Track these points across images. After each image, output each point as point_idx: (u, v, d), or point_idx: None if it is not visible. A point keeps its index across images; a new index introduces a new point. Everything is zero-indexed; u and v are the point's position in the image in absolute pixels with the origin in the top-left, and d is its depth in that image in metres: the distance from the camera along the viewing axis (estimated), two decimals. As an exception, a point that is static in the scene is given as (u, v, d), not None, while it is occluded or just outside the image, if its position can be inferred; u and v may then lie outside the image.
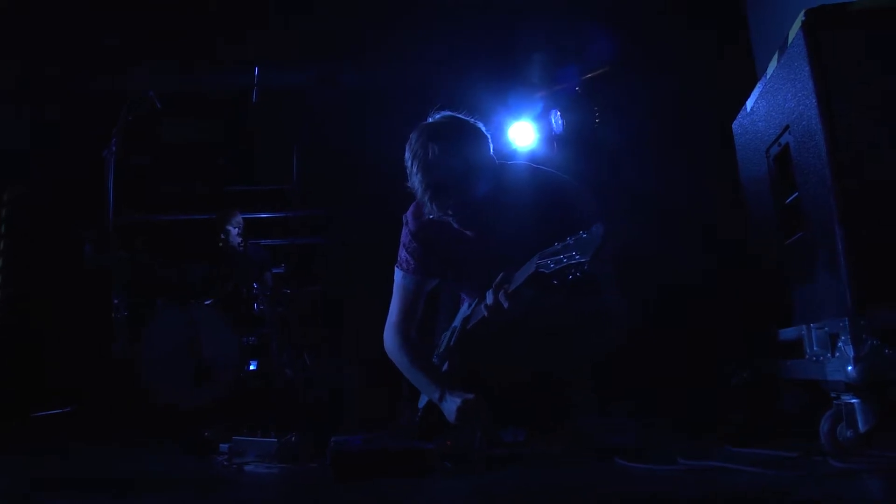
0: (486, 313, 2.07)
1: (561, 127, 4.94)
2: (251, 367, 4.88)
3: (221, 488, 1.95)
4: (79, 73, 4.67)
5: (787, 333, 1.90)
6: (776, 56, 1.90)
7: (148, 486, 2.03)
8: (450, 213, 2.15)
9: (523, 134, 5.08)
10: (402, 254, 2.53)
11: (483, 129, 2.23)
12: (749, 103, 2.16)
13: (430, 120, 2.22)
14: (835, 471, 1.52)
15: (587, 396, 2.37)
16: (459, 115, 2.23)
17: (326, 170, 5.44)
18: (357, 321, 4.86)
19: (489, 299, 2.03)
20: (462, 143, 2.13)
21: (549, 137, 5.01)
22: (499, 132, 5.06)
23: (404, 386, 2.70)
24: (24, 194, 4.94)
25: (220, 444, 2.44)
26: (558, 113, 4.94)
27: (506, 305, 1.98)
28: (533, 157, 4.99)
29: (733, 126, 2.35)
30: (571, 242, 1.74)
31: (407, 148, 2.18)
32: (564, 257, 1.74)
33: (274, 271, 5.34)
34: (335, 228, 5.56)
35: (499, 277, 2.04)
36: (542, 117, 5.03)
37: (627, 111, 4.44)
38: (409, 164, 2.16)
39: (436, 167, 2.07)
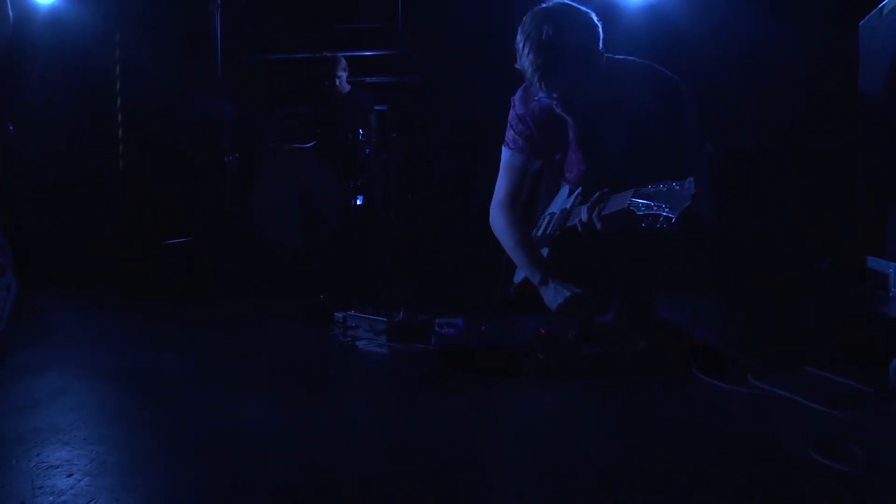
0: (579, 227, 2.20)
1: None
2: (358, 202, 5.14)
3: (338, 363, 2.26)
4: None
5: (876, 263, 1.90)
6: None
7: (275, 354, 2.38)
8: (555, 95, 2.23)
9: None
10: (510, 133, 2.64)
11: (594, 18, 2.25)
12: (887, 6, 1.99)
13: (544, 5, 2.25)
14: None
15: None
16: (572, 3, 2.25)
17: (432, 9, 5.32)
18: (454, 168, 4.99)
19: (584, 216, 2.16)
20: (574, 26, 2.17)
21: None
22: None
23: (503, 259, 2.89)
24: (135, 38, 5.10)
25: (336, 313, 2.72)
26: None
27: (598, 226, 2.10)
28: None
29: (860, 26, 2.18)
30: (664, 190, 1.81)
31: (519, 30, 2.23)
32: (655, 205, 1.82)
33: (377, 108, 5.43)
34: (438, 69, 5.52)
35: (595, 196, 2.15)
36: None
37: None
38: (520, 45, 2.22)
39: (547, 47, 2.12)
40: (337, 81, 5.09)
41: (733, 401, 1.74)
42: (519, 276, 2.81)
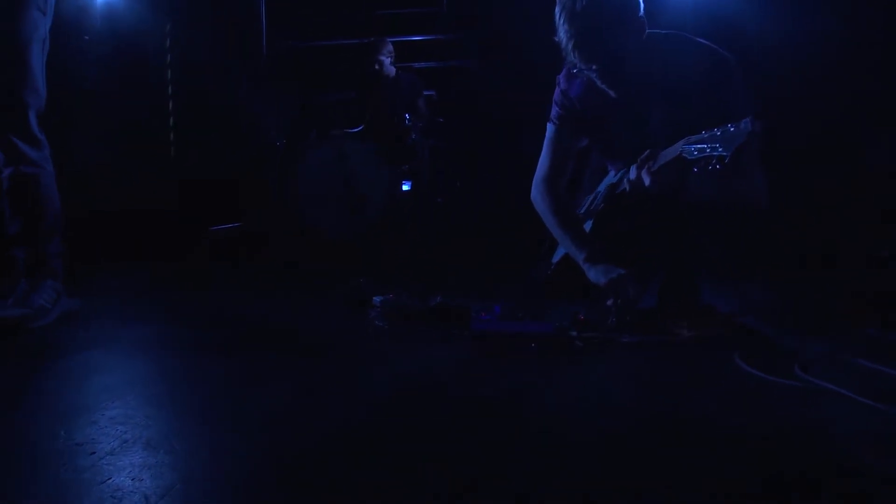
0: (627, 187, 2.18)
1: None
2: (405, 188, 5.12)
3: (372, 347, 2.23)
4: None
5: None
6: None
7: (310, 337, 2.37)
8: (594, 66, 2.19)
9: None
10: (554, 109, 2.60)
11: None
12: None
13: None
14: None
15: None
16: None
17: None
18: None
19: (632, 174, 2.14)
20: None
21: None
22: None
23: (547, 240, 2.83)
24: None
25: (374, 298, 2.70)
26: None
27: (647, 182, 2.06)
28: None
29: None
30: (718, 133, 1.77)
31: (557, 2, 2.20)
32: (708, 147, 1.79)
33: (425, 93, 5.39)
34: (484, 52, 5.46)
35: (644, 154, 2.12)
36: None
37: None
38: (557, 17, 2.19)
39: (582, 16, 2.09)
40: (377, 66, 5.05)
41: (778, 394, 1.64)
42: (557, 256, 2.75)
